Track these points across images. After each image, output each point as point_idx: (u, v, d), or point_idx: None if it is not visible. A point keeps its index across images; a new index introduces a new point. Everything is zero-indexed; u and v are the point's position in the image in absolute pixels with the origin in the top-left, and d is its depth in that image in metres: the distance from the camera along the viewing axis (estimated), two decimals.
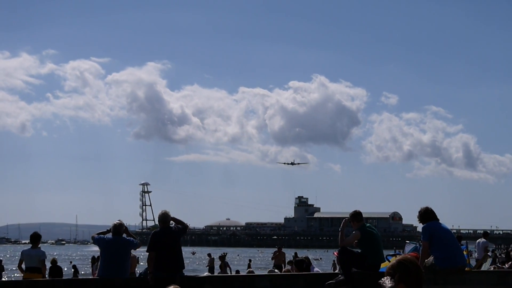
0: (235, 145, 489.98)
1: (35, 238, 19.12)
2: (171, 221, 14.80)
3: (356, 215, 14.63)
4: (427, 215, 14.26)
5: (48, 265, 21.66)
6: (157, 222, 15.79)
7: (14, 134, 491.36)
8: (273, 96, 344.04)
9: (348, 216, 14.83)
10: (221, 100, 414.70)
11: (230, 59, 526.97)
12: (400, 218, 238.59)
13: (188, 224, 15.28)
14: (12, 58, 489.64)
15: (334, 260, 44.23)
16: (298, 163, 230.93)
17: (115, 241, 14.72)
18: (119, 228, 14.84)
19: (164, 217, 14.72)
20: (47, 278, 20.37)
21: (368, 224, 14.82)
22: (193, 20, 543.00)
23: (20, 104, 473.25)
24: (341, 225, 14.78)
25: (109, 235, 14.95)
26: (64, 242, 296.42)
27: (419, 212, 14.35)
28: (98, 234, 15.13)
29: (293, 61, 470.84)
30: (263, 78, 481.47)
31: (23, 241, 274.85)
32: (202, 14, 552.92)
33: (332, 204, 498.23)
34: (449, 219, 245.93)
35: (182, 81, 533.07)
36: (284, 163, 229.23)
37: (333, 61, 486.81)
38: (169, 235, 14.55)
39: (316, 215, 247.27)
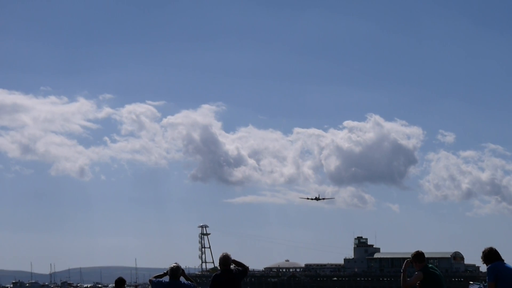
0: (292, 186, 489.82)
1: (120, 283, 19.11)
2: (232, 264, 14.80)
3: (419, 256, 14.45)
4: (491, 255, 13.98)
5: None
6: (216, 265, 15.82)
7: (74, 178, 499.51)
8: (328, 136, 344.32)
9: (409, 256, 14.66)
10: (276, 141, 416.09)
11: (284, 100, 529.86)
12: (462, 258, 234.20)
13: (248, 267, 15.25)
14: (70, 103, 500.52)
15: None
16: (323, 198, 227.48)
17: (172, 285, 14.75)
18: (176, 271, 14.86)
19: (225, 260, 14.72)
20: None
21: (430, 265, 14.62)
22: (247, 62, 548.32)
23: (78, 149, 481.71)
24: (403, 266, 14.60)
25: (166, 278, 15.00)
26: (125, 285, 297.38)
27: (483, 252, 14.08)
28: (156, 277, 15.19)
29: (347, 100, 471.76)
30: (318, 118, 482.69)
31: (84, 285, 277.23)
32: (256, 56, 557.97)
33: (392, 244, 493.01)
34: None
35: (237, 122, 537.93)
36: (308, 198, 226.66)
37: (388, 100, 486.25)
38: (230, 278, 14.55)
39: (376, 255, 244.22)
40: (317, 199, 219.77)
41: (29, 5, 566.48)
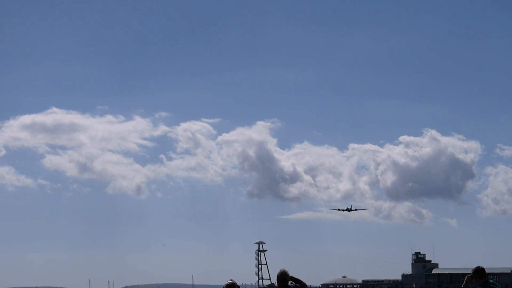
0: (348, 202, 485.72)
1: None
2: (289, 280, 14.75)
3: (479, 271, 14.26)
4: None
5: None
6: (273, 281, 15.85)
7: (130, 196, 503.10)
8: (384, 151, 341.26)
9: (469, 272, 14.48)
10: (332, 157, 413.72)
11: (339, 115, 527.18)
12: None
13: (305, 283, 15.18)
14: (126, 121, 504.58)
15: None
16: (355, 209, 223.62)
17: None
18: None
19: (283, 276, 14.69)
20: None
21: (491, 280, 14.42)
22: (302, 78, 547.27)
23: (135, 167, 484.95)
24: (464, 281, 14.43)
25: None
26: None
27: None
28: None
29: (403, 115, 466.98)
30: (373, 133, 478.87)
31: None
32: (310, 72, 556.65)
33: (450, 259, 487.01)
34: None
35: (292, 139, 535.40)
36: (339, 209, 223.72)
37: (444, 115, 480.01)
38: None
39: (434, 271, 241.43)
40: (348, 210, 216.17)
41: (85, 26, 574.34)
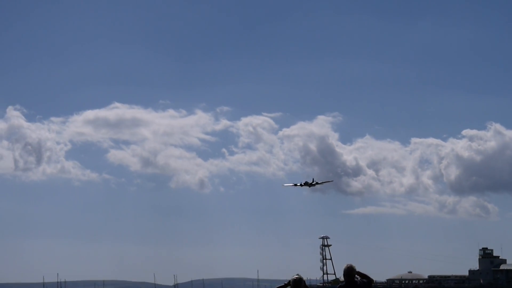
0: (412, 196, 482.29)
1: None
2: (356, 275, 14.42)
3: None
4: None
5: None
6: (338, 276, 15.41)
7: (194, 191, 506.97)
8: (447, 145, 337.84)
9: None
10: (395, 151, 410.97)
11: (401, 109, 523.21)
12: None
13: (373, 279, 14.82)
14: (188, 116, 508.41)
15: None
16: (317, 183, 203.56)
17: None
18: (298, 283, 14.62)
19: (350, 271, 14.35)
20: None
21: None
22: (363, 72, 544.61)
23: (197, 161, 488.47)
24: None
25: None
26: None
27: None
28: None
29: (466, 109, 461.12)
30: (436, 127, 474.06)
31: None
32: (372, 66, 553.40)
33: None
34: None
35: (353, 133, 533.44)
36: (295, 185, 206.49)
37: (509, 108, 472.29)
38: None
39: (502, 267, 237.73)
40: (308, 184, 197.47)
41: (147, 21, 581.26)
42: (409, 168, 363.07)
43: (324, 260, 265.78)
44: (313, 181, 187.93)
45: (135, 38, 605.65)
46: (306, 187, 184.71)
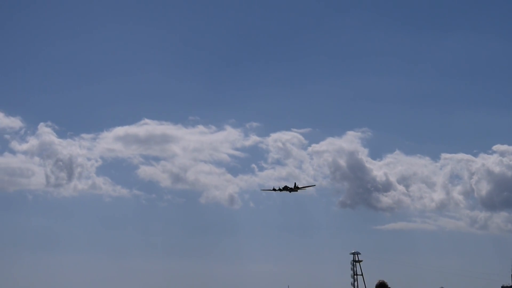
0: (442, 212, 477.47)
1: None
2: None
3: None
4: None
5: None
6: None
7: (223, 206, 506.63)
8: (478, 160, 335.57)
9: None
10: (425, 166, 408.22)
11: (430, 124, 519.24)
12: None
13: None
14: (217, 132, 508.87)
15: None
16: (298, 187, 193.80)
17: None
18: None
19: (382, 287, 14.65)
20: None
21: None
22: (392, 86, 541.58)
23: (227, 177, 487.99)
24: None
25: None
26: None
27: None
28: None
29: (497, 124, 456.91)
30: (466, 143, 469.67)
31: None
32: (401, 80, 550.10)
33: None
34: None
35: (383, 148, 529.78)
36: (274, 189, 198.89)
37: None
38: None
39: None
40: (289, 189, 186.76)
41: (176, 37, 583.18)
42: (439, 183, 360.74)
43: (355, 276, 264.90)
44: (295, 186, 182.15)
45: (165, 55, 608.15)
46: (286, 192, 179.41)
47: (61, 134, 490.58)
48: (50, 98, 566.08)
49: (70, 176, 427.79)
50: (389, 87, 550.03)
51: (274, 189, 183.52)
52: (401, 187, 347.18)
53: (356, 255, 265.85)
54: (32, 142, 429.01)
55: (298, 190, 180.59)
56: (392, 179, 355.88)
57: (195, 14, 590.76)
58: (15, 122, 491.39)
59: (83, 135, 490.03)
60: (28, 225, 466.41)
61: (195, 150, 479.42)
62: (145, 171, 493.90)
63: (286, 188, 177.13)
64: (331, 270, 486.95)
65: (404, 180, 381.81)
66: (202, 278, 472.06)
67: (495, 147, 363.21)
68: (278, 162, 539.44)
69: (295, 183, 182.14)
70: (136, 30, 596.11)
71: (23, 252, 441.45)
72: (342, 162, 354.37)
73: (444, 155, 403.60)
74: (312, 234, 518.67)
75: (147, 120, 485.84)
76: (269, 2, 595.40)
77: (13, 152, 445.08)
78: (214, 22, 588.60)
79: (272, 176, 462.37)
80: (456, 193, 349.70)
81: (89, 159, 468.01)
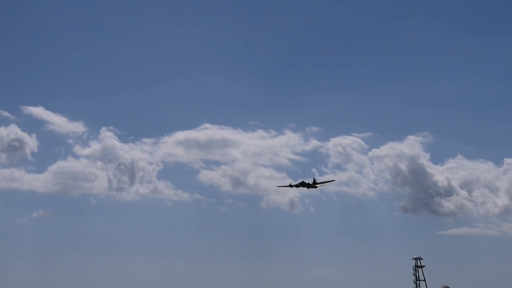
0: (506, 217, 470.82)
1: None
2: None
3: None
4: None
5: None
6: None
7: (284, 211, 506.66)
8: None
9: None
10: (488, 171, 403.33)
11: (493, 129, 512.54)
12: None
13: None
14: (277, 136, 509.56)
15: None
16: (316, 184, 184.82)
17: None
18: None
19: None
20: None
21: None
22: (453, 90, 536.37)
23: (287, 181, 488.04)
24: None
25: None
26: None
27: None
28: None
29: None
30: None
31: None
32: (463, 85, 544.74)
33: None
34: None
35: (445, 153, 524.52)
36: (291, 186, 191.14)
37: None
38: None
39: None
40: (307, 185, 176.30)
41: (236, 42, 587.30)
42: (503, 188, 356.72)
43: (418, 282, 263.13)
44: (314, 181, 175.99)
45: (225, 60, 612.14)
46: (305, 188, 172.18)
47: (122, 139, 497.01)
48: (112, 102, 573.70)
49: (132, 180, 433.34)
50: (451, 91, 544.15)
51: (290, 185, 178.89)
52: (463, 192, 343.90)
53: (418, 261, 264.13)
54: (95, 147, 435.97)
55: (318, 186, 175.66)
56: (454, 184, 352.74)
57: (256, 19, 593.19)
58: (78, 127, 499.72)
59: (144, 140, 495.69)
60: (91, 228, 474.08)
61: (255, 155, 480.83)
62: (206, 175, 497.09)
63: (303, 184, 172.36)
64: (392, 275, 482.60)
65: (467, 185, 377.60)
66: (262, 282, 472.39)
67: None
68: (338, 167, 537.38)
69: (314, 178, 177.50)
70: (197, 36, 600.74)
71: (87, 254, 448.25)
72: (403, 166, 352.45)
73: (507, 160, 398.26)
74: (373, 238, 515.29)
75: (207, 125, 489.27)
76: (329, 8, 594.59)
77: (76, 156, 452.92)
78: (275, 27, 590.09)
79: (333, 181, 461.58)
80: None
81: (150, 163, 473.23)
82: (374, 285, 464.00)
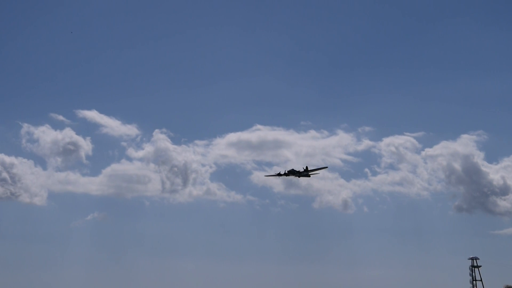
0: None
1: None
2: None
3: None
4: None
5: None
6: None
7: (337, 211, 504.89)
8: None
9: None
10: None
11: None
12: None
13: None
14: (330, 136, 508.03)
15: None
16: (309, 172, 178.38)
17: None
18: None
19: None
20: None
21: None
22: (506, 87, 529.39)
23: (340, 182, 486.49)
24: None
25: None
26: None
27: None
28: None
29: None
30: None
31: None
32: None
33: None
34: None
35: (500, 151, 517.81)
36: (279, 174, 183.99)
37: None
38: None
39: None
40: (296, 173, 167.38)
41: (287, 44, 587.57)
42: None
43: (474, 282, 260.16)
44: (306, 169, 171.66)
45: (276, 61, 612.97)
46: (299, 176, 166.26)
47: (175, 141, 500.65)
48: (164, 105, 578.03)
49: (185, 182, 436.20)
50: (504, 89, 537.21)
51: (279, 174, 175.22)
52: None
53: (475, 260, 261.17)
54: (148, 149, 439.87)
55: (310, 175, 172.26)
56: (510, 182, 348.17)
57: (308, 20, 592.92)
58: (131, 130, 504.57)
59: (197, 142, 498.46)
60: (145, 230, 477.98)
61: (308, 155, 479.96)
62: (258, 176, 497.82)
63: (293, 172, 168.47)
64: (448, 275, 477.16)
65: None
66: (316, 283, 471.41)
67: None
68: (391, 167, 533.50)
69: (306, 166, 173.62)
70: (249, 37, 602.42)
71: (141, 256, 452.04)
72: (457, 166, 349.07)
73: None
74: (428, 238, 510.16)
75: (259, 126, 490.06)
76: (380, 8, 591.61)
77: (129, 159, 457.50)
78: (326, 27, 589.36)
79: (386, 181, 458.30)
80: None
81: (203, 165, 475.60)
82: (429, 286, 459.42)
